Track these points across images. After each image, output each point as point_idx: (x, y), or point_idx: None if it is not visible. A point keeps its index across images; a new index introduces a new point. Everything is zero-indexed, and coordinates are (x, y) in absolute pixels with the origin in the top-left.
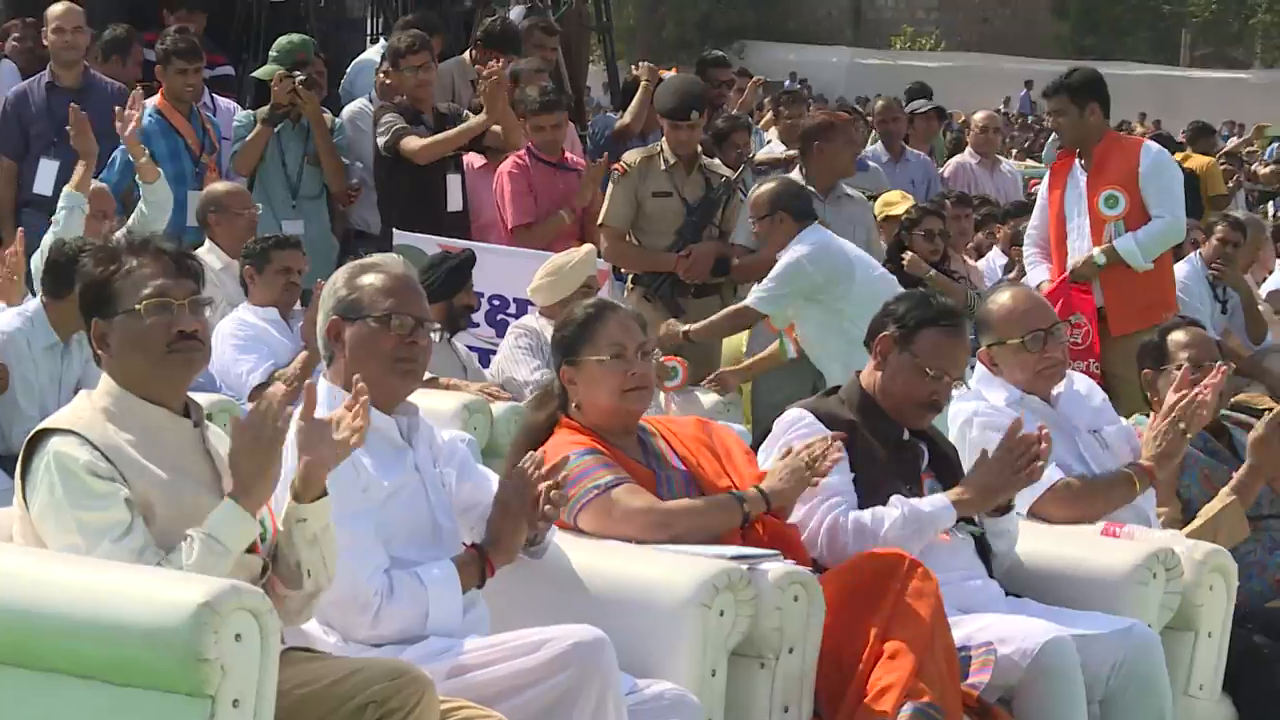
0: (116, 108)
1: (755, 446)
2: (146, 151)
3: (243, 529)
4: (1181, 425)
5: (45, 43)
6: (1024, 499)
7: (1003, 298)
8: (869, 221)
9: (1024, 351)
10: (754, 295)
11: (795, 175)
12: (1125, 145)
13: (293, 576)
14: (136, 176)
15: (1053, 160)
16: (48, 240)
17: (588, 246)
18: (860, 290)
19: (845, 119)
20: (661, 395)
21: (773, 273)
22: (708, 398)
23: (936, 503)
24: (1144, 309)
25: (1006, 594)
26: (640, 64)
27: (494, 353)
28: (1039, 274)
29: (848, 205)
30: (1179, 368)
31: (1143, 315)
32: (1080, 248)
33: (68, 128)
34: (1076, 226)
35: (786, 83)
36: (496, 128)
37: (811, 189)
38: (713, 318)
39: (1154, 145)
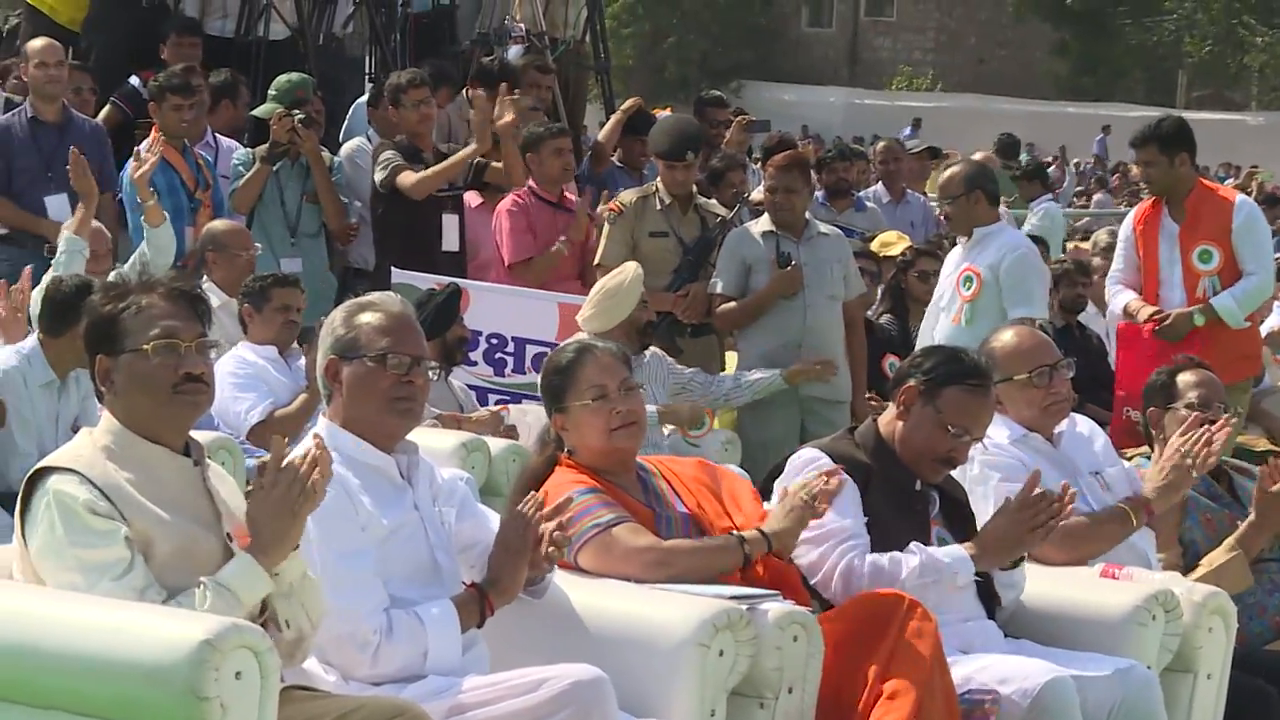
0: (137, 149)
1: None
2: (155, 195)
3: (257, 585)
4: (1189, 462)
5: (25, 77)
6: None
7: (1006, 336)
8: (845, 257)
9: (1031, 387)
10: (1027, 309)
11: (766, 219)
12: (1218, 199)
13: (275, 624)
14: (143, 219)
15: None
16: (47, 279)
17: (634, 264)
18: None
19: (787, 163)
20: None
21: (1018, 279)
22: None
23: (955, 554)
24: (1237, 361)
25: (1005, 636)
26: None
27: (492, 390)
28: (1125, 297)
29: (821, 243)
30: (1187, 406)
31: (1236, 368)
32: (1171, 298)
33: (67, 166)
34: (1168, 278)
35: (771, 123)
36: (498, 164)
37: (784, 231)
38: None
39: (1246, 201)
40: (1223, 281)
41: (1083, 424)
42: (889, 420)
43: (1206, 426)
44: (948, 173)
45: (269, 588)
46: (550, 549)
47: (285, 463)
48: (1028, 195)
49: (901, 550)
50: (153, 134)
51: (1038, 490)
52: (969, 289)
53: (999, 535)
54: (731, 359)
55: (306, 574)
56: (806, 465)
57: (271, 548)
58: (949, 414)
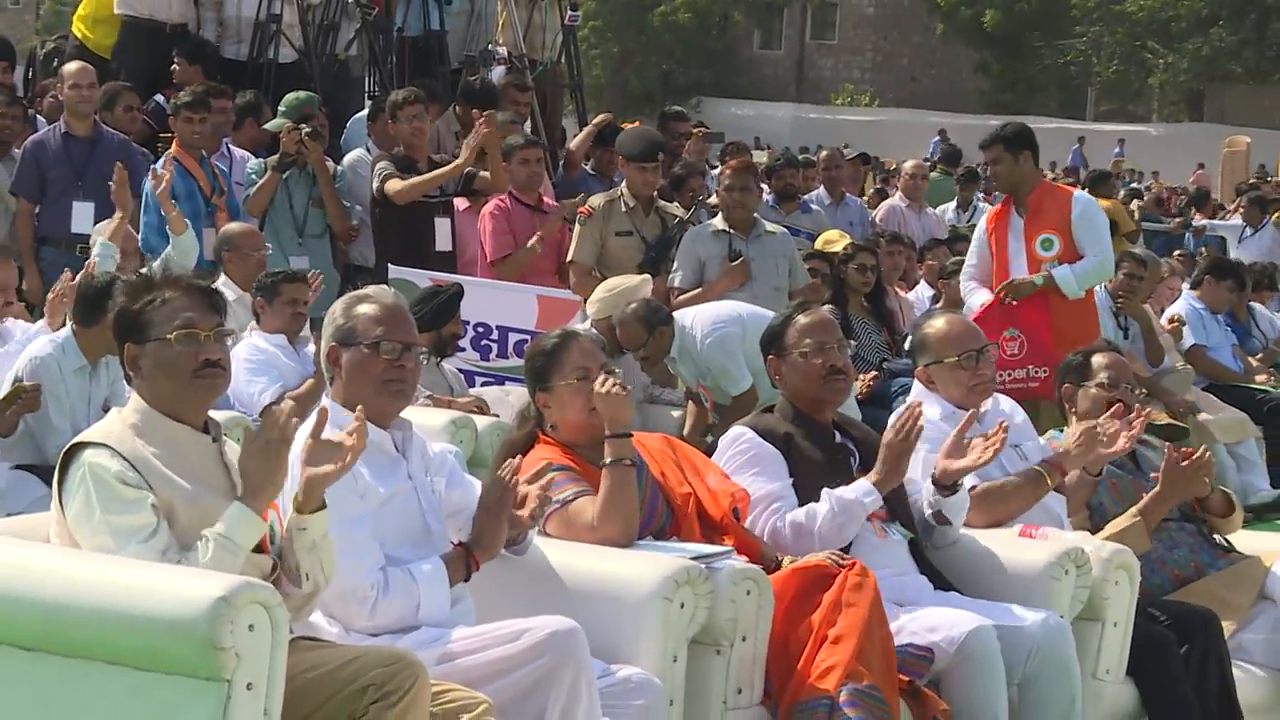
0: (153, 167)
1: None
2: (176, 206)
3: (251, 529)
4: (1098, 431)
5: (61, 97)
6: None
7: (938, 323)
8: (790, 252)
9: (959, 369)
10: (736, 386)
11: (719, 220)
12: (1058, 194)
13: (293, 577)
14: (168, 228)
15: None
16: (80, 276)
17: (645, 276)
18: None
19: (733, 168)
20: None
21: (715, 366)
22: (677, 412)
23: (859, 488)
24: (1074, 342)
25: (935, 588)
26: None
27: (478, 373)
28: (981, 296)
29: (768, 241)
30: (1098, 385)
31: (1072, 348)
32: None
33: (111, 182)
34: (1015, 268)
35: (725, 135)
36: (485, 174)
37: (734, 230)
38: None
39: (1083, 195)
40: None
41: (1005, 403)
42: (782, 394)
43: (1120, 415)
44: (629, 329)
45: (262, 530)
46: (533, 506)
47: (267, 413)
48: (967, 196)
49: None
50: (174, 147)
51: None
52: (707, 401)
53: (887, 456)
54: None
55: (326, 533)
56: (735, 441)
57: (260, 491)
58: (799, 344)
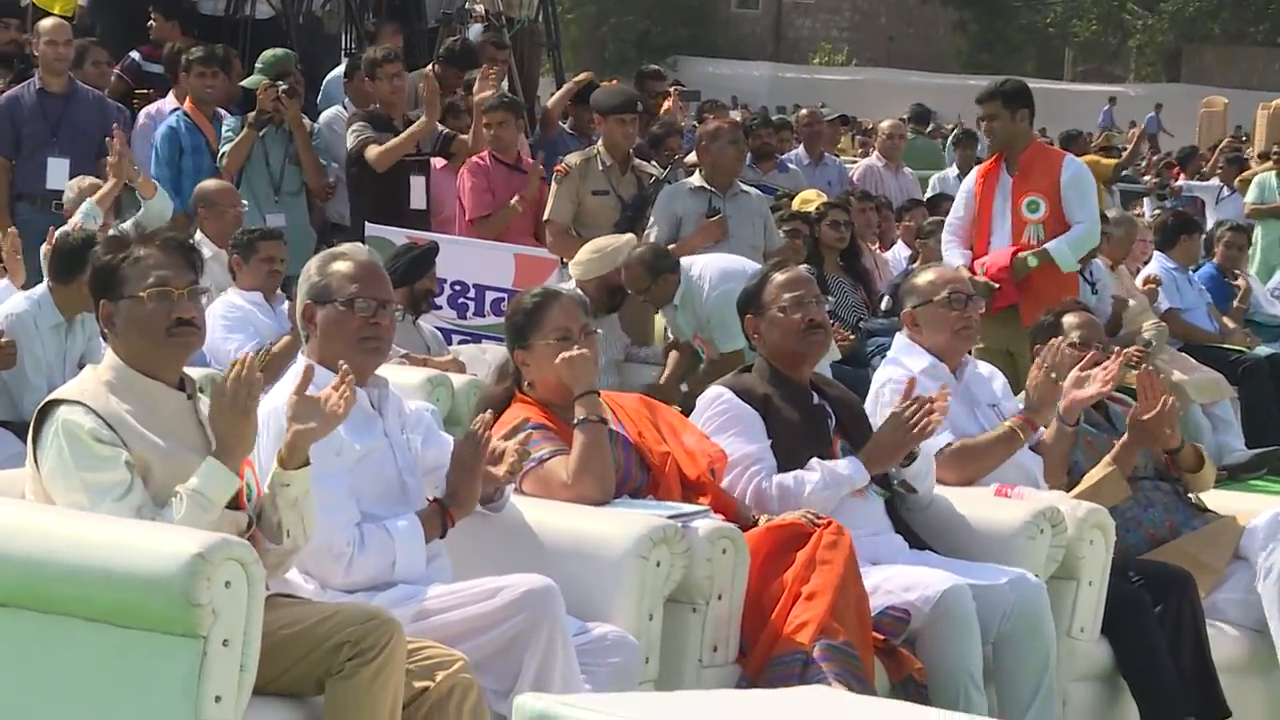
0: (111, 137)
1: None
2: (141, 173)
3: (225, 484)
4: (1054, 375)
5: (36, 53)
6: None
7: (927, 272)
8: (764, 213)
9: (948, 310)
10: (731, 343)
11: (696, 177)
12: (1049, 156)
13: (274, 534)
14: (139, 194)
15: None
16: (58, 234)
17: (631, 236)
18: None
19: (729, 125)
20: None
21: (716, 319)
22: (655, 370)
23: (852, 465)
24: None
25: (911, 548)
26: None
27: (455, 331)
28: (954, 258)
29: (745, 201)
30: (1069, 345)
31: (1047, 306)
32: (1001, 244)
33: (110, 139)
34: (999, 228)
35: (702, 93)
36: (465, 137)
37: (713, 188)
38: (703, 371)
39: (1074, 159)
40: (1046, 230)
41: (984, 366)
42: (760, 353)
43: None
44: (633, 272)
45: (235, 485)
46: (511, 461)
47: (232, 369)
48: (968, 157)
49: (804, 466)
50: (186, 103)
51: (914, 395)
52: (704, 351)
53: (885, 440)
54: None
55: (309, 491)
56: (713, 401)
57: (234, 448)
58: (777, 300)
